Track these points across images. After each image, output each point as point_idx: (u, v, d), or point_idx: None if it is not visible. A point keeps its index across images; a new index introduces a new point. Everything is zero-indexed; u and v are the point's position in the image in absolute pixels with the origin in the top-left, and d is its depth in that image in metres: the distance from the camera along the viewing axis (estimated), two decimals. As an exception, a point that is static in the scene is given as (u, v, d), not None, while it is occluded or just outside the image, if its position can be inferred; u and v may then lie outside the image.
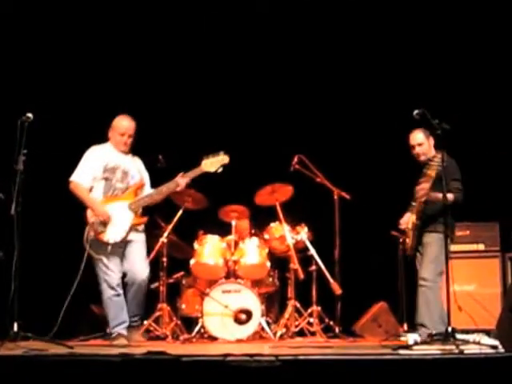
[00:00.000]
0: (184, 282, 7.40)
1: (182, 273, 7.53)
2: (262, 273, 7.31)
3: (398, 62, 8.10)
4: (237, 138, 7.86)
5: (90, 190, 6.55)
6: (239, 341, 6.87)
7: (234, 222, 7.42)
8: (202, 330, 7.02)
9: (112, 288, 6.43)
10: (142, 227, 6.65)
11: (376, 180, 8.01)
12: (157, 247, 7.18)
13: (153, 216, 7.12)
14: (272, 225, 7.47)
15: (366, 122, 8.17)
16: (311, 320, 7.26)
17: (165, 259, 7.31)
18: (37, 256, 7.19)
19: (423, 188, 6.02)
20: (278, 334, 7.05)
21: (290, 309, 7.25)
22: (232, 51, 8.17)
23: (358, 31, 8.09)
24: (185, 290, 7.39)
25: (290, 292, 7.36)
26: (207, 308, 6.98)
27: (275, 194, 7.40)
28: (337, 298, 7.23)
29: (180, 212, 7.32)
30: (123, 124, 6.65)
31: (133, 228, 6.54)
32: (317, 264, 7.28)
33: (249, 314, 6.97)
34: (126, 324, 6.46)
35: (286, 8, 7.97)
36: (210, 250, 7.28)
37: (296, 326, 7.23)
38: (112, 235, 6.45)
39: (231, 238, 7.36)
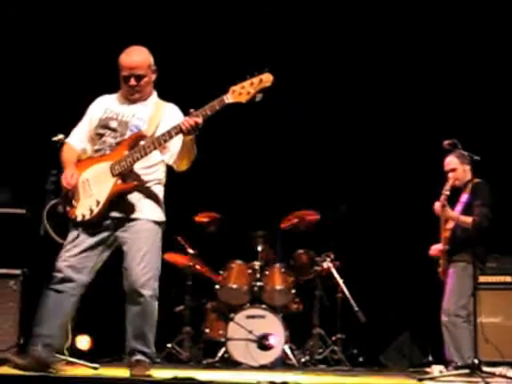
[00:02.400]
0: (209, 306, 7.38)
1: (206, 297, 7.52)
2: (286, 299, 7.28)
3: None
4: (264, 161, 7.87)
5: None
6: (263, 367, 6.84)
7: (260, 248, 7.42)
8: (226, 355, 7.00)
9: (54, 275, 4.74)
10: (153, 209, 4.82)
11: (409, 205, 7.98)
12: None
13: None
14: (298, 251, 7.47)
15: (398, 146, 8.15)
16: (335, 348, 7.23)
17: (190, 283, 7.31)
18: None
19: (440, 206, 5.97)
20: (302, 361, 7.03)
21: (314, 336, 7.23)
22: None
23: (383, 62, 8.10)
24: (209, 314, 7.37)
25: (315, 319, 7.33)
26: (231, 333, 6.95)
27: (302, 221, 7.40)
28: (361, 326, 7.20)
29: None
30: (125, 61, 4.90)
31: (117, 200, 4.74)
32: (342, 292, 7.26)
33: (273, 339, 6.95)
34: (47, 341, 4.66)
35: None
36: (235, 274, 7.28)
37: (320, 354, 7.20)
38: (81, 210, 4.79)
39: (257, 263, 7.35)
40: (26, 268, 6.36)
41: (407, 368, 6.95)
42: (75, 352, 6.04)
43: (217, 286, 7.26)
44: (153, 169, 4.89)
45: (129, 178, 4.77)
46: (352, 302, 7.15)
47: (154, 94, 5.06)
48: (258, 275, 7.27)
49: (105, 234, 4.80)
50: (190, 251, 7.38)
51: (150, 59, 4.98)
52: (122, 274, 4.75)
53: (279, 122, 7.99)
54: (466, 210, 5.95)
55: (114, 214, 4.78)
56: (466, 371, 5.25)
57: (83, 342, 7.25)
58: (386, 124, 8.13)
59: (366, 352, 7.34)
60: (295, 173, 8.08)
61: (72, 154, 4.98)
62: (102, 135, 4.92)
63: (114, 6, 7.78)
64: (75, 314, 4.91)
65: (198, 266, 7.43)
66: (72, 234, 4.81)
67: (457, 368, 5.52)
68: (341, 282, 7.27)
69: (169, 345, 7.13)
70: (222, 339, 7.04)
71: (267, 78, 4.69)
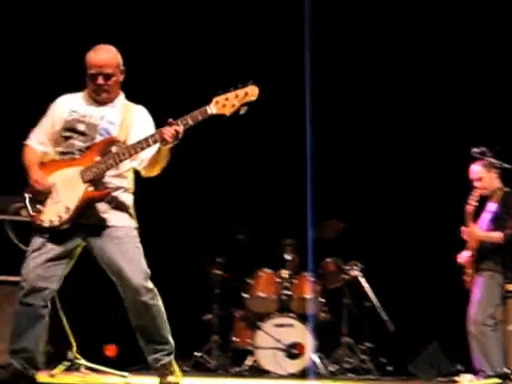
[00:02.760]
0: (237, 314, 7.38)
1: (234, 306, 7.51)
2: (314, 308, 7.27)
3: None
4: (289, 171, 7.86)
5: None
6: (291, 375, 6.83)
7: (288, 256, 7.41)
8: (254, 364, 7.00)
9: (21, 285, 4.52)
10: (124, 216, 4.63)
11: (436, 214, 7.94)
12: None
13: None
14: (326, 260, 7.45)
15: (425, 152, 8.11)
16: (364, 357, 7.20)
17: (218, 291, 7.32)
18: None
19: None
20: (331, 370, 7.02)
21: (342, 345, 7.22)
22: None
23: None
24: (237, 323, 7.36)
25: (343, 328, 7.30)
26: (259, 341, 6.95)
27: (330, 230, 7.39)
28: (390, 335, 7.17)
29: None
30: (93, 59, 4.65)
31: (86, 206, 4.49)
32: (370, 300, 7.24)
33: (301, 348, 6.93)
34: (25, 355, 4.49)
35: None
36: (263, 283, 7.27)
37: (349, 363, 7.17)
38: (49, 215, 4.52)
39: (285, 271, 7.34)
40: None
41: (436, 377, 6.91)
42: (104, 360, 6.08)
43: (245, 295, 7.27)
44: (122, 176, 4.69)
45: (100, 185, 4.55)
46: (380, 310, 7.14)
47: (122, 96, 4.84)
48: (287, 284, 7.26)
49: (74, 242, 4.57)
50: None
51: (119, 58, 4.75)
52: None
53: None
54: (495, 221, 5.90)
55: (85, 222, 4.54)
56: (497, 381, 5.20)
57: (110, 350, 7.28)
58: (415, 128, 8.08)
59: (394, 361, 7.30)
60: (322, 181, 8.05)
61: (34, 156, 4.71)
62: (68, 138, 4.66)
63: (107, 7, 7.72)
64: (64, 315, 4.90)
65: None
66: (37, 241, 4.55)
67: (487, 377, 5.47)
68: (369, 290, 7.26)
69: (197, 353, 7.13)
70: (250, 348, 7.03)
71: (253, 92, 4.50)
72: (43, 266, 4.51)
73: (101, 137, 4.62)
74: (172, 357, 4.67)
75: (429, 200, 8.00)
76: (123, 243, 4.57)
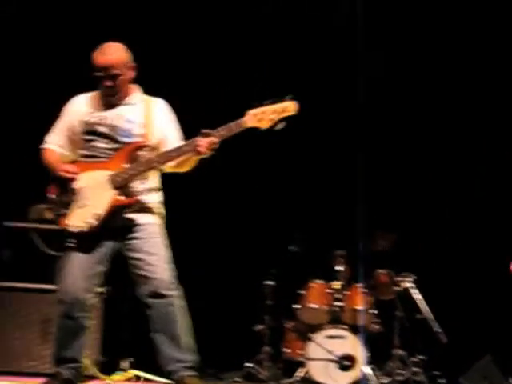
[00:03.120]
0: (288, 325, 7.36)
1: (285, 317, 7.49)
2: (366, 319, 7.23)
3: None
4: (340, 182, 7.84)
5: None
6: (343, 388, 6.82)
7: (339, 267, 7.38)
8: (305, 375, 6.97)
9: (60, 299, 4.60)
10: (159, 219, 4.66)
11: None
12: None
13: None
14: (378, 271, 7.42)
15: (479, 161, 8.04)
16: (416, 369, 7.14)
17: (269, 302, 7.32)
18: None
19: None
20: (383, 383, 6.97)
21: (394, 357, 7.17)
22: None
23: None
24: (289, 334, 7.34)
25: (395, 340, 7.25)
26: (311, 353, 6.93)
27: (382, 241, 7.35)
28: (443, 347, 7.10)
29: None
30: (98, 61, 4.58)
31: (114, 212, 4.47)
32: (423, 312, 7.18)
33: (353, 360, 6.91)
34: (72, 365, 4.56)
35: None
36: (315, 294, 7.26)
37: (401, 375, 7.12)
38: (76, 220, 4.49)
39: (337, 283, 7.31)
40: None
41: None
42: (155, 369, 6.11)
43: (296, 306, 7.26)
44: (150, 177, 4.68)
45: (128, 192, 4.54)
46: (432, 322, 7.07)
47: (138, 92, 4.78)
48: (338, 295, 7.23)
49: (106, 247, 4.58)
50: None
51: (125, 56, 4.67)
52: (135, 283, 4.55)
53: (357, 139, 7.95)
54: None
55: (112, 225, 4.53)
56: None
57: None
58: (470, 137, 8.01)
59: (447, 374, 7.23)
60: (374, 191, 8.00)
61: (56, 157, 4.71)
62: (90, 141, 4.62)
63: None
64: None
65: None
66: (71, 252, 4.55)
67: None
68: (421, 302, 7.20)
69: (248, 364, 7.14)
70: (302, 359, 7.02)
71: (292, 107, 4.46)
72: (81, 277, 4.53)
73: (123, 138, 4.59)
74: (193, 373, 4.53)
75: (483, 209, 7.91)
76: (152, 238, 4.59)
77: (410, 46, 7.92)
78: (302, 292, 7.30)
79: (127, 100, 4.71)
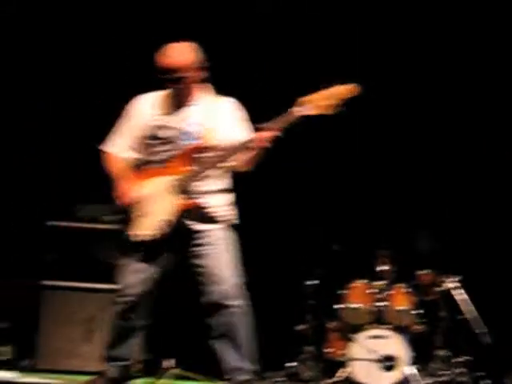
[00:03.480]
0: (330, 325, 7.34)
1: (328, 317, 7.47)
2: (409, 319, 7.17)
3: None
4: (383, 181, 7.80)
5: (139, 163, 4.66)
6: (385, 388, 6.79)
7: (382, 267, 7.34)
8: (348, 375, 6.94)
9: (118, 300, 4.62)
10: (222, 217, 4.58)
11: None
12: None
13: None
14: (422, 271, 7.36)
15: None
16: (460, 370, 7.08)
17: (312, 302, 7.31)
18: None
19: None
20: (426, 383, 6.93)
21: (438, 357, 7.11)
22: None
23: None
24: (331, 334, 7.32)
25: (439, 340, 7.19)
26: (353, 353, 6.91)
27: (425, 241, 7.30)
28: (487, 348, 7.04)
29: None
30: (164, 63, 4.47)
31: (178, 217, 4.41)
32: (465, 313, 7.12)
33: (396, 360, 6.87)
34: (123, 363, 4.61)
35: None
36: (358, 294, 7.22)
37: (444, 376, 7.07)
38: (141, 229, 4.49)
39: (380, 283, 7.27)
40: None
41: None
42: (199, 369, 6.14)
43: (339, 306, 7.23)
44: (216, 178, 4.59)
45: (191, 196, 4.47)
46: (477, 323, 7.01)
47: (207, 91, 4.66)
48: (381, 295, 7.20)
49: (169, 252, 4.56)
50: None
51: (192, 56, 4.52)
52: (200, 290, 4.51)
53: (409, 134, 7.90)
54: None
55: (180, 231, 4.49)
56: None
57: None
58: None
59: (492, 374, 7.16)
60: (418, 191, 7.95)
61: (119, 165, 4.63)
62: (152, 145, 4.56)
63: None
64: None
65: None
66: (133, 255, 4.55)
67: None
68: (465, 302, 7.14)
69: (290, 364, 7.13)
70: (344, 359, 7.00)
71: (346, 90, 4.30)
72: (141, 281, 4.55)
73: (185, 142, 4.51)
74: (253, 377, 4.51)
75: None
76: (218, 245, 4.51)
77: (410, 45, 7.85)
78: (345, 292, 7.27)
79: (192, 101, 4.60)
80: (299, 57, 7.70)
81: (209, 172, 4.51)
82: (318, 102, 4.31)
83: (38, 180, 7.46)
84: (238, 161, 4.53)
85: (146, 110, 4.64)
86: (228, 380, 4.48)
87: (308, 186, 7.67)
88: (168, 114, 4.58)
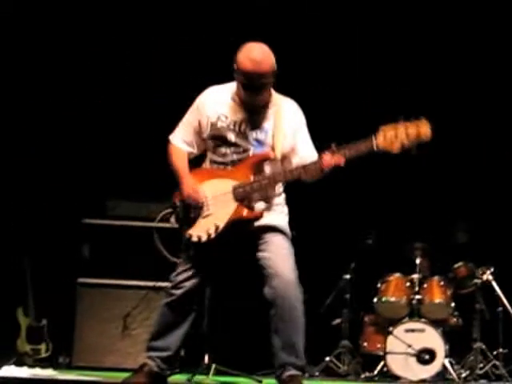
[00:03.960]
0: (366, 319, 7.31)
1: (363, 311, 7.43)
2: (446, 312, 7.15)
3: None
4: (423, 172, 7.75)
5: (199, 158, 4.57)
6: (422, 381, 6.76)
7: (418, 260, 7.31)
8: (385, 369, 6.94)
9: (171, 291, 4.53)
10: (282, 221, 4.48)
11: None
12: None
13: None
14: (457, 264, 7.32)
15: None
16: (497, 363, 7.04)
17: (347, 295, 7.29)
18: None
19: None
20: (463, 376, 6.90)
21: (474, 350, 7.07)
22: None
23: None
24: (367, 328, 7.30)
25: (475, 333, 7.15)
26: (390, 346, 6.89)
27: (461, 233, 7.26)
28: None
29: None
30: (249, 68, 4.23)
31: (234, 225, 4.32)
32: (504, 305, 7.07)
33: (432, 354, 6.84)
34: (165, 354, 4.54)
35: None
36: (393, 287, 7.20)
37: (481, 369, 7.03)
38: (198, 230, 4.39)
39: (415, 276, 7.24)
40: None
41: None
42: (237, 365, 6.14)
43: (375, 299, 7.21)
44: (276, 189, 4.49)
45: (251, 204, 4.36)
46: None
47: (273, 96, 4.47)
48: (417, 288, 7.16)
49: (224, 252, 4.47)
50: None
51: (274, 60, 4.33)
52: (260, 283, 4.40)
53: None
54: None
55: (234, 238, 4.39)
56: None
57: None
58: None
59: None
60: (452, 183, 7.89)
61: (183, 159, 4.51)
62: (218, 146, 4.41)
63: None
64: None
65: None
66: (187, 253, 4.50)
67: None
68: (501, 294, 7.10)
69: (327, 358, 7.12)
70: (381, 353, 6.98)
71: (425, 132, 4.16)
72: (196, 277, 4.49)
73: (253, 148, 4.38)
74: (301, 373, 4.44)
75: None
76: (274, 242, 4.41)
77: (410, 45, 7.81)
78: (381, 285, 7.24)
79: (264, 107, 4.43)
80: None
81: (272, 187, 4.43)
82: (397, 139, 4.17)
83: (74, 178, 7.50)
84: (302, 158, 4.41)
85: (212, 107, 4.48)
86: (278, 374, 4.41)
87: (343, 180, 7.60)
88: (239, 117, 4.43)
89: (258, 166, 4.37)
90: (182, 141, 4.57)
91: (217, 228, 4.35)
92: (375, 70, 7.76)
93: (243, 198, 4.35)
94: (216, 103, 4.46)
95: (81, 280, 6.82)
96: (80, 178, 7.49)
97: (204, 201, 4.40)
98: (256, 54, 4.27)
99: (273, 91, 4.47)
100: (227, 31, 7.19)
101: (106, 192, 7.16)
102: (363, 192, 7.67)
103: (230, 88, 4.47)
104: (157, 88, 7.46)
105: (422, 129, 4.16)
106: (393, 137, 4.15)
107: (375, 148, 4.19)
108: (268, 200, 4.47)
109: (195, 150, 4.56)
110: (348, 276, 7.29)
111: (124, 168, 7.38)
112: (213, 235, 4.36)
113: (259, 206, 4.43)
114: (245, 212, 4.36)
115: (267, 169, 4.40)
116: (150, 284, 6.57)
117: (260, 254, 4.42)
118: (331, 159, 4.21)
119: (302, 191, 7.36)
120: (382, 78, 7.75)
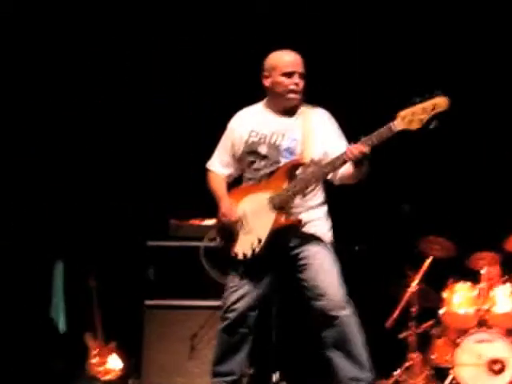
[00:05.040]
0: (434, 331, 7.23)
1: (431, 322, 7.34)
2: (515, 322, 7.05)
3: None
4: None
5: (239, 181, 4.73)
6: (493, 392, 6.67)
7: (484, 270, 7.21)
8: (454, 381, 6.84)
9: (224, 316, 4.61)
10: (326, 235, 4.58)
11: None
12: (406, 298, 7.12)
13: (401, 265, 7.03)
14: (525, 271, 7.22)
15: None
16: None
17: (414, 309, 7.22)
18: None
19: None
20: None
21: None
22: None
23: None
24: (435, 340, 7.20)
25: (547, 342, 7.04)
26: (459, 358, 6.80)
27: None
28: None
29: (428, 261, 7.22)
30: (288, 57, 4.54)
31: (277, 234, 4.40)
32: None
33: (503, 364, 6.74)
34: (229, 379, 4.60)
35: None
36: (460, 298, 7.10)
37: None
38: (242, 247, 4.50)
39: (482, 285, 7.14)
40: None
41: None
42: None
43: (441, 311, 7.13)
44: (313, 193, 4.56)
45: (290, 210, 4.44)
46: None
47: (302, 105, 4.64)
48: (485, 297, 7.07)
49: (270, 267, 4.55)
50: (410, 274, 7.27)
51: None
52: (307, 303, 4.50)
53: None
54: None
55: (279, 247, 4.47)
56: None
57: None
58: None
59: None
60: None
61: (221, 182, 4.69)
62: (252, 162, 4.56)
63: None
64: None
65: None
66: (235, 274, 4.56)
67: None
68: None
69: (396, 372, 7.06)
70: (450, 365, 6.90)
71: (442, 103, 4.20)
72: (246, 297, 4.56)
73: (284, 158, 4.48)
74: None
75: None
76: (317, 258, 4.49)
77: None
78: (447, 295, 7.16)
79: (294, 113, 4.60)
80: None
81: (307, 189, 4.49)
82: (415, 116, 4.24)
83: (137, 200, 7.58)
84: (343, 176, 4.52)
85: (244, 125, 4.67)
86: None
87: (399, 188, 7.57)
88: (270, 130, 4.58)
89: (290, 173, 4.44)
90: (218, 165, 4.76)
91: (260, 241, 4.43)
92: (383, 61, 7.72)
93: (280, 206, 4.42)
94: (247, 121, 4.66)
95: (148, 302, 6.88)
96: (142, 199, 7.57)
97: (238, 219, 4.50)
98: (285, 51, 4.59)
99: (303, 104, 4.64)
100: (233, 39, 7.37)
101: (169, 213, 7.22)
102: (425, 198, 7.58)
103: (258, 106, 4.71)
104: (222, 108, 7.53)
105: (438, 100, 4.21)
106: (410, 115, 4.22)
107: (395, 130, 4.25)
108: (307, 206, 4.53)
109: (232, 171, 4.74)
110: (412, 288, 7.22)
111: (185, 188, 7.43)
112: (257, 249, 4.44)
113: (299, 215, 4.48)
114: (283, 218, 4.42)
115: (299, 175, 4.47)
116: (216, 303, 6.58)
117: (304, 275, 4.50)
118: (354, 149, 4.26)
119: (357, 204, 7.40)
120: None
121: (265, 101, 4.69)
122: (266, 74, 4.59)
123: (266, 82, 4.60)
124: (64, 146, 7.62)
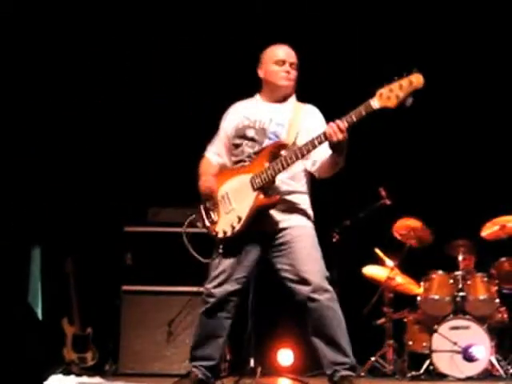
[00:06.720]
0: (410, 317, 7.27)
1: (407, 309, 7.39)
2: (490, 309, 7.07)
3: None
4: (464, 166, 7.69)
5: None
6: (469, 378, 6.68)
7: (460, 257, 7.24)
8: (431, 367, 6.89)
9: (205, 299, 4.62)
10: (300, 217, 4.61)
11: None
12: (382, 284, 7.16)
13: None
14: (501, 259, 7.25)
15: None
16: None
17: (390, 295, 7.25)
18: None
19: None
20: (510, 373, 6.83)
21: (521, 346, 7.02)
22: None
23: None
24: (411, 326, 7.25)
25: (521, 329, 7.10)
26: (435, 345, 6.83)
27: (504, 228, 7.18)
28: None
29: (405, 249, 7.25)
30: (279, 48, 4.76)
31: (257, 214, 4.45)
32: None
33: (478, 351, 6.78)
34: (208, 363, 4.62)
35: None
36: (436, 285, 7.14)
37: (527, 365, 6.97)
38: (222, 226, 4.55)
39: (458, 273, 7.18)
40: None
41: None
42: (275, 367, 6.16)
43: (418, 298, 7.16)
44: (295, 179, 4.63)
45: (271, 191, 4.48)
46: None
47: (294, 96, 4.79)
48: (460, 285, 7.11)
49: (253, 253, 4.58)
50: (389, 263, 7.30)
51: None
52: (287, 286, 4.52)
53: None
54: None
55: (259, 228, 4.51)
56: None
57: (285, 357, 7.30)
58: None
59: None
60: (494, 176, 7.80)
61: (209, 166, 4.80)
62: (239, 145, 4.68)
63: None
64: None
65: (398, 280, 7.31)
66: (218, 257, 4.57)
67: None
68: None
69: (372, 358, 7.10)
70: (426, 351, 6.93)
71: (417, 80, 4.21)
72: (227, 282, 4.57)
73: (269, 141, 4.57)
74: (352, 373, 4.49)
75: None
76: (299, 241, 4.53)
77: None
78: (424, 283, 7.20)
79: (285, 100, 4.75)
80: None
81: (288, 170, 4.53)
82: (392, 93, 4.24)
83: (114, 186, 7.56)
84: (322, 166, 4.57)
85: (237, 113, 4.83)
86: (329, 376, 4.47)
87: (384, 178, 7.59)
88: (258, 114, 4.72)
89: (273, 155, 4.50)
90: (212, 153, 4.88)
91: (240, 219, 4.47)
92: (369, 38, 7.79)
93: (260, 186, 4.47)
94: (241, 109, 4.84)
95: (125, 287, 6.88)
96: (120, 185, 7.55)
97: (222, 198, 4.57)
98: (282, 44, 4.79)
99: (295, 96, 4.80)
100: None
101: (147, 199, 7.21)
102: (408, 187, 7.60)
103: (252, 98, 4.87)
104: (199, 98, 7.52)
105: (414, 77, 4.24)
106: (388, 93, 4.25)
107: (374, 107, 4.27)
108: (290, 190, 4.60)
109: (226, 161, 4.82)
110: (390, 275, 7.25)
111: (164, 175, 7.42)
112: (237, 228, 4.47)
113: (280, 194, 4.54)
114: (263, 199, 4.47)
115: (282, 156, 4.49)
116: (193, 289, 6.58)
117: (285, 259, 4.53)
118: (334, 125, 4.30)
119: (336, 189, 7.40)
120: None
121: (260, 92, 4.85)
122: (260, 65, 4.81)
123: (261, 73, 4.79)
124: (41, 133, 7.58)
